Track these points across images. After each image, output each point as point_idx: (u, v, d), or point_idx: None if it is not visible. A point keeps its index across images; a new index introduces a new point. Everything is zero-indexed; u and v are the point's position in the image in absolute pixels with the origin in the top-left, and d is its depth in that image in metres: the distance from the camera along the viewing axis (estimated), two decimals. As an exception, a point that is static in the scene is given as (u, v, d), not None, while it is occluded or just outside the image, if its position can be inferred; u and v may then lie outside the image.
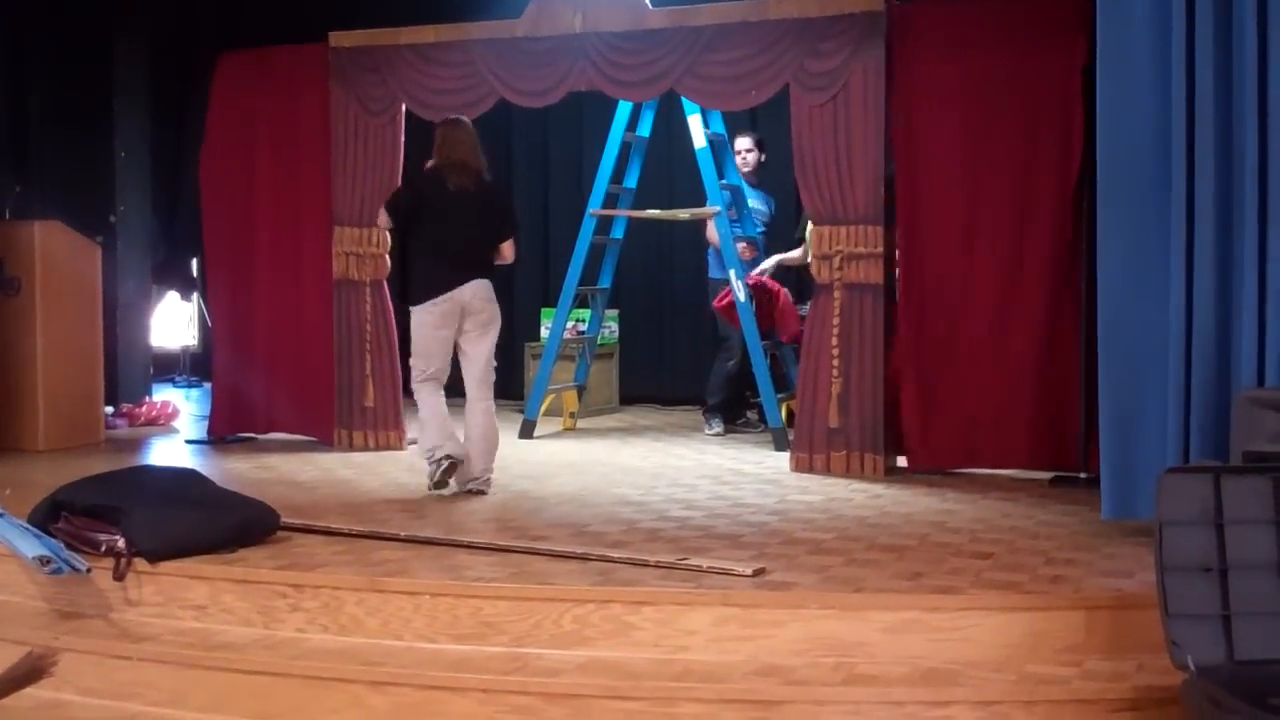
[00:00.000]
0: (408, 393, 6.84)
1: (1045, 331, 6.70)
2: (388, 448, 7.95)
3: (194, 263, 11.81)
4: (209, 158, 8.41)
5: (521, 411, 8.81)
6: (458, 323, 6.46)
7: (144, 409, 9.33)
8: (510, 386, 10.57)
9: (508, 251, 6.65)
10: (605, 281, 9.27)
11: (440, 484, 6.42)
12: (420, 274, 6.54)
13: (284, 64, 8.27)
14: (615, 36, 7.50)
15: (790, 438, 7.48)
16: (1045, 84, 6.62)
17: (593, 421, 9.33)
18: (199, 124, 8.67)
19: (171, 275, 11.86)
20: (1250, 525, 3.90)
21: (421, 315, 6.47)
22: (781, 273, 8.82)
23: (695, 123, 8.22)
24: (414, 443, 8.11)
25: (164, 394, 10.41)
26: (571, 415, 9.11)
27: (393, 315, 8.06)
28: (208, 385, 8.52)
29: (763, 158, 8.88)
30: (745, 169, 8.78)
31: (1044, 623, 4.31)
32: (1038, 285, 6.71)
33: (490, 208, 6.61)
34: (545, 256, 10.76)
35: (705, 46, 7.31)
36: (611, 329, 10.05)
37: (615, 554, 4.99)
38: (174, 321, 12.35)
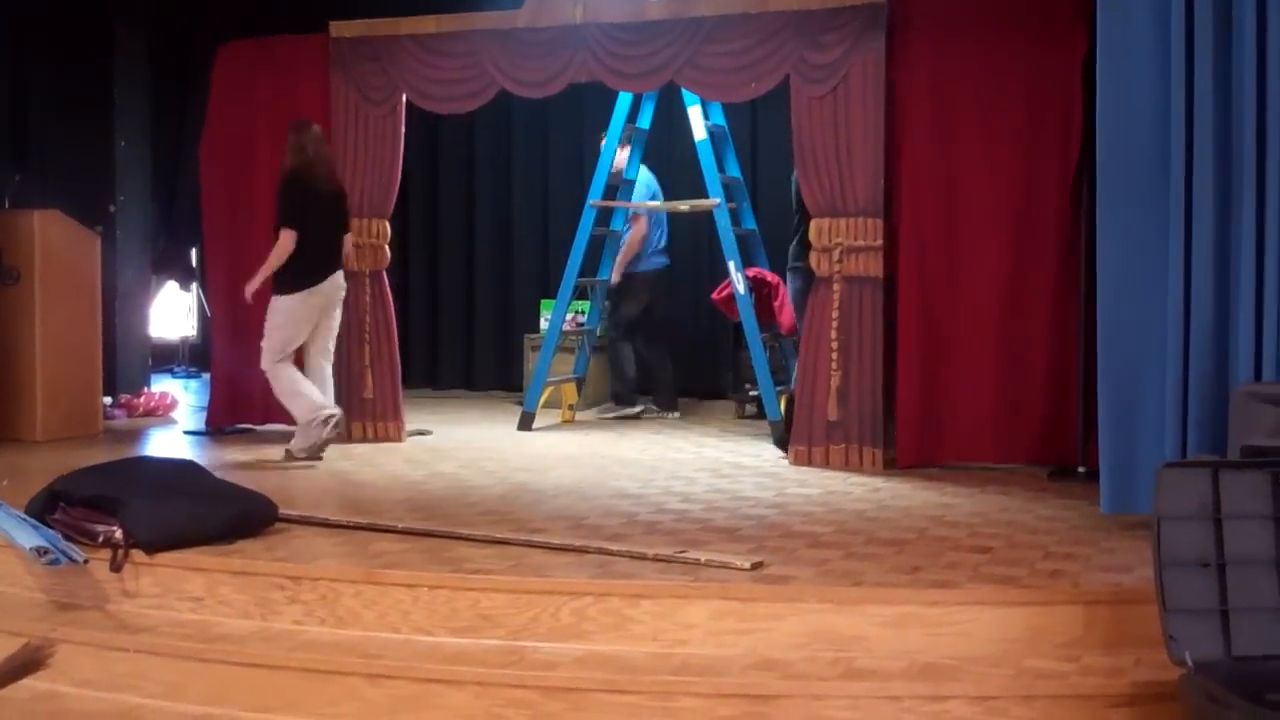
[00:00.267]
0: (407, 383, 6.91)
1: (1044, 325, 6.71)
2: (386, 439, 7.96)
3: (193, 253, 11.81)
4: (209, 148, 8.40)
5: (520, 404, 8.81)
6: (323, 308, 7.29)
7: (143, 399, 9.33)
8: (509, 378, 10.60)
9: (350, 243, 7.55)
10: (605, 273, 9.27)
11: (329, 440, 7.17)
12: (297, 266, 7.15)
13: (284, 53, 8.26)
14: (616, 28, 7.49)
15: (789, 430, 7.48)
16: (1045, 77, 6.63)
17: (591, 414, 9.33)
18: (199, 114, 8.66)
19: (171, 265, 11.86)
20: (1248, 520, 3.89)
21: (294, 303, 7.18)
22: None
23: (695, 114, 8.21)
24: (417, 434, 8.14)
25: (163, 385, 10.42)
26: (570, 407, 9.11)
27: (392, 306, 8.05)
28: (206, 376, 8.51)
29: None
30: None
31: (1042, 617, 4.30)
32: (1037, 278, 6.72)
33: (342, 203, 7.45)
34: (545, 248, 10.76)
35: (705, 38, 7.30)
36: (611, 321, 10.03)
37: (613, 547, 4.98)
38: (173, 312, 12.35)
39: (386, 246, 8.01)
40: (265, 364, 7.22)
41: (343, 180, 7.57)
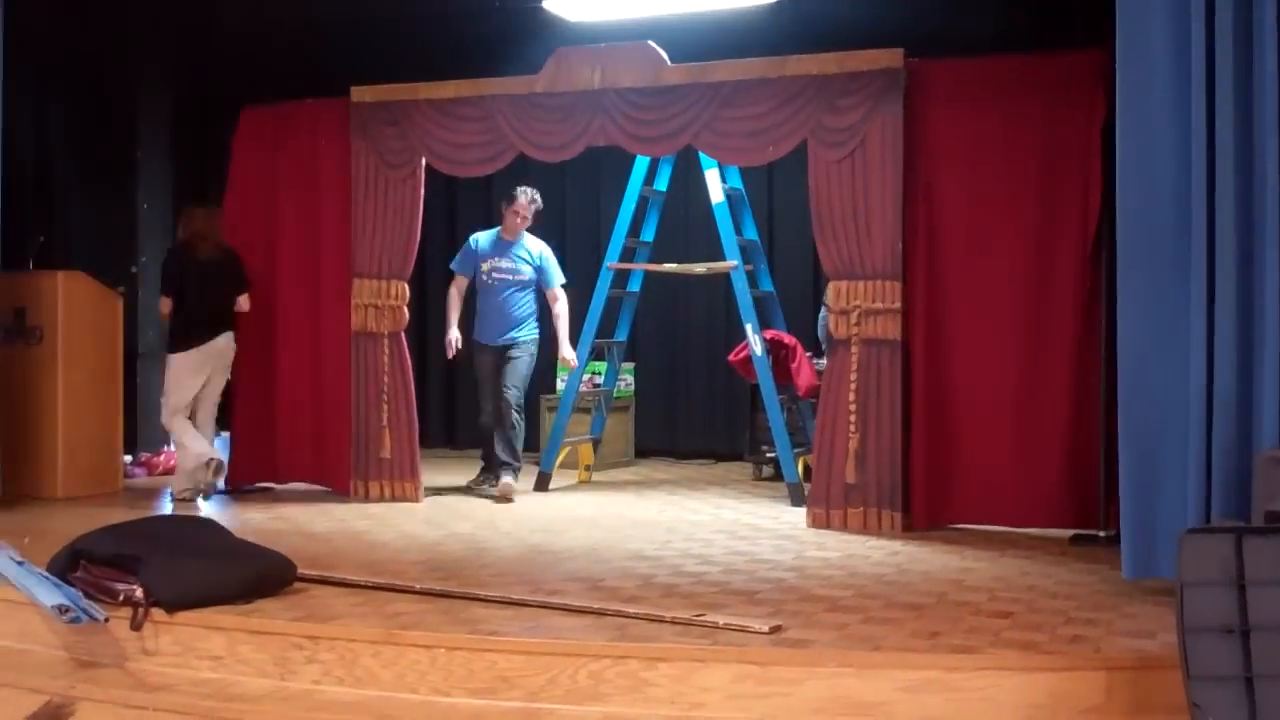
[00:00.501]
0: (424, 444, 6.92)
1: (1065, 388, 6.69)
2: (403, 498, 7.96)
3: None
4: (230, 210, 8.46)
5: (537, 464, 8.81)
6: (210, 365, 7.99)
7: (163, 458, 9.35)
8: (526, 438, 10.60)
9: (244, 303, 8.16)
10: (622, 335, 9.30)
11: (212, 484, 7.96)
12: (182, 327, 7.99)
13: (305, 117, 8.35)
14: (633, 92, 7.55)
15: (806, 493, 7.47)
16: (1064, 140, 6.64)
17: (608, 474, 9.33)
18: (220, 176, 8.74)
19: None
20: (1273, 586, 3.87)
21: (184, 361, 7.97)
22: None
23: (713, 177, 8.25)
24: (449, 490, 8.13)
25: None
26: (587, 468, 9.11)
27: (410, 367, 8.08)
28: (226, 435, 8.56)
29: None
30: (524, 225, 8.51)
31: (1065, 683, 4.27)
32: (1056, 342, 6.71)
33: (229, 269, 8.10)
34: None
35: (723, 102, 7.35)
36: (628, 382, 10.06)
37: (631, 609, 4.97)
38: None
39: (405, 308, 8.05)
40: (164, 418, 8.07)
41: (229, 248, 8.16)
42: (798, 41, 7.77)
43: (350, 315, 8.07)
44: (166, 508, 7.95)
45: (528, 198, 8.44)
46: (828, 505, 7.06)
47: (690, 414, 10.54)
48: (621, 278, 9.00)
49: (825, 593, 5.38)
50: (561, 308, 8.57)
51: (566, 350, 8.67)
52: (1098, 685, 4.26)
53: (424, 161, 8.01)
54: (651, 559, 6.15)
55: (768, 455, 8.85)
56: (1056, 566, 5.94)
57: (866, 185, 6.99)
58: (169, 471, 9.20)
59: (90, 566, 5.21)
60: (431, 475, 8.53)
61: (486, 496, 8.25)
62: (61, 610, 4.92)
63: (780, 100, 7.21)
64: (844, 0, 8.42)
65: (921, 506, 6.89)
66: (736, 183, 8.57)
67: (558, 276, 8.60)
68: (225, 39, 9.73)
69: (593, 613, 4.98)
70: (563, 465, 8.82)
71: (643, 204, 8.81)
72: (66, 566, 5.26)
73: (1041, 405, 6.74)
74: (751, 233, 8.75)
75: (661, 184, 8.87)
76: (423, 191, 8.05)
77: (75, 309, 8.23)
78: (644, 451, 10.25)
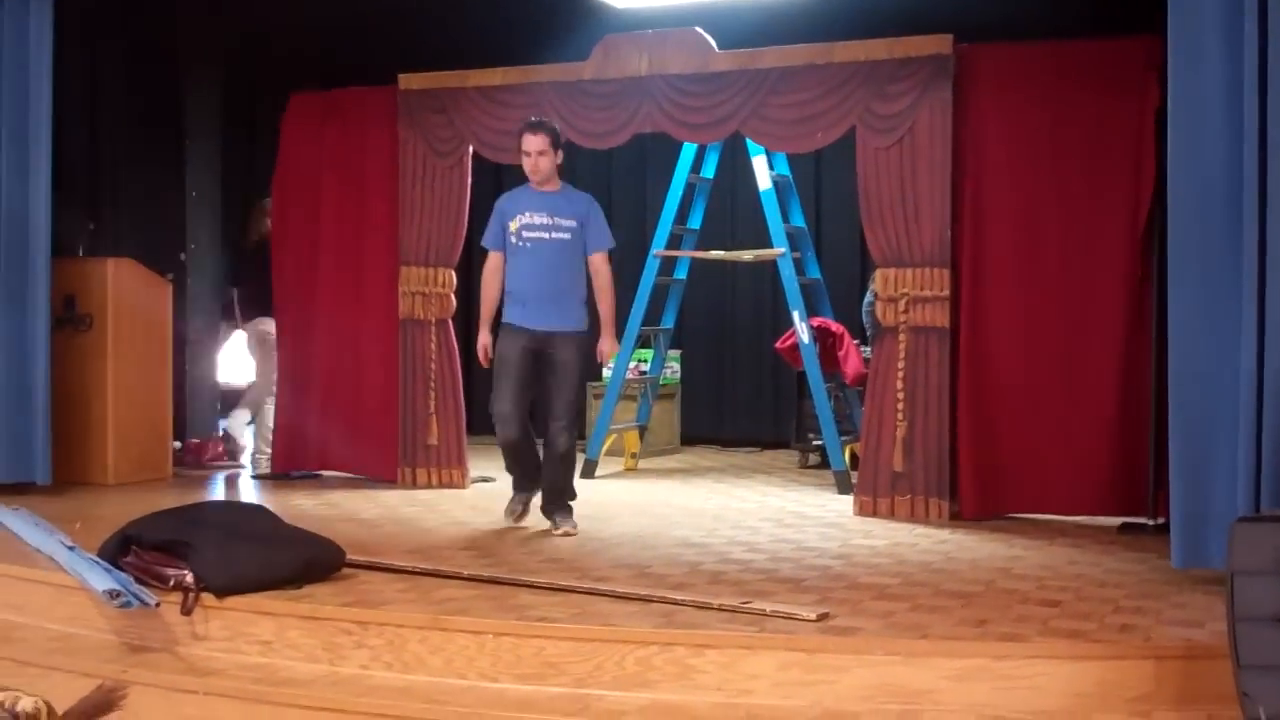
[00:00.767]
0: (471, 430, 6.89)
1: (1115, 375, 6.64)
2: (450, 485, 7.99)
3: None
4: (277, 195, 8.53)
5: (583, 451, 8.82)
6: None
7: (211, 444, 9.42)
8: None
9: None
10: (668, 322, 9.30)
11: None
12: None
13: (353, 105, 8.37)
14: (681, 79, 7.53)
15: (854, 481, 7.45)
16: (1114, 127, 6.59)
17: (654, 462, 9.33)
18: (268, 162, 8.79)
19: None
20: (1325, 576, 3.84)
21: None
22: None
23: (760, 164, 8.23)
24: (479, 481, 8.16)
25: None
26: (633, 456, 9.12)
27: (457, 354, 8.11)
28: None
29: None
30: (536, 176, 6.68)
31: (1113, 672, 4.25)
32: (1107, 328, 6.66)
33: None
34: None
35: (771, 89, 7.32)
36: (674, 369, 10.06)
37: (678, 596, 4.98)
38: (241, 358, 12.45)
39: (452, 295, 8.07)
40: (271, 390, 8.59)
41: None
42: (846, 27, 7.72)
43: (397, 302, 8.10)
44: (218, 493, 8.02)
45: (543, 130, 6.61)
46: (875, 493, 7.04)
47: (736, 401, 10.53)
48: (668, 265, 8.99)
49: (872, 580, 5.37)
50: (604, 281, 6.67)
51: (608, 342, 6.80)
52: (1146, 674, 4.23)
53: (471, 149, 8.03)
54: (698, 546, 6.15)
55: (814, 443, 8.83)
56: (1105, 555, 5.90)
57: (915, 172, 6.96)
58: (217, 458, 9.29)
59: (141, 552, 5.26)
60: (478, 462, 8.55)
61: (555, 534, 6.53)
62: (113, 595, 4.97)
63: (828, 87, 7.18)
64: (891, -14, 8.37)
65: (969, 494, 6.86)
66: (784, 169, 8.55)
67: (605, 238, 6.77)
68: (274, 27, 9.77)
69: (640, 599, 4.99)
70: (608, 453, 8.83)
71: (690, 191, 8.79)
72: (118, 552, 5.32)
73: (1090, 393, 6.69)
74: (799, 220, 8.73)
75: (709, 171, 8.85)
76: (470, 179, 8.07)
77: (125, 296, 8.29)
78: (690, 439, 10.24)
